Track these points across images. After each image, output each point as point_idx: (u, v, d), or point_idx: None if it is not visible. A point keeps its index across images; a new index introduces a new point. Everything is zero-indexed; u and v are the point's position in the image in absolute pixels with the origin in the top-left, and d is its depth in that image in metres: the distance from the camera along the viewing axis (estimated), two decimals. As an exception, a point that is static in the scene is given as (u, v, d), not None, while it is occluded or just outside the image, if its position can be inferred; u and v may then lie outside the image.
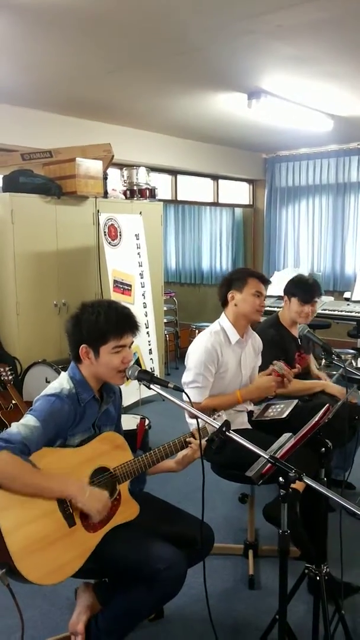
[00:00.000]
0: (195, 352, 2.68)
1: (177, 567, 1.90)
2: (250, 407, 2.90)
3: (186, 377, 2.68)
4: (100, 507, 1.87)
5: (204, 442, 1.98)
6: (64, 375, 2.05)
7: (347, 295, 6.12)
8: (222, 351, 2.68)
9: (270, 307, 5.73)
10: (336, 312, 5.71)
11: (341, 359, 2.69)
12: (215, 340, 2.68)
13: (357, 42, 3.62)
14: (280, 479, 1.57)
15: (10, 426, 1.86)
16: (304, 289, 3.19)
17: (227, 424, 1.73)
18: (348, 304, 5.78)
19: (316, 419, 1.85)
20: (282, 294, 3.36)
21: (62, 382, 2.01)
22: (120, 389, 2.24)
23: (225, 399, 2.70)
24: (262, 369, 2.94)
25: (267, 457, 1.60)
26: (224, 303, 2.80)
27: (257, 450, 1.64)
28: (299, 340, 3.25)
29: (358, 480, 3.53)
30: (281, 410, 2.77)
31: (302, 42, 3.59)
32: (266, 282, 2.79)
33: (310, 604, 2.03)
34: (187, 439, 2.08)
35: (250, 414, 2.88)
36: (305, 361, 3.35)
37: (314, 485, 1.55)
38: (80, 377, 2.02)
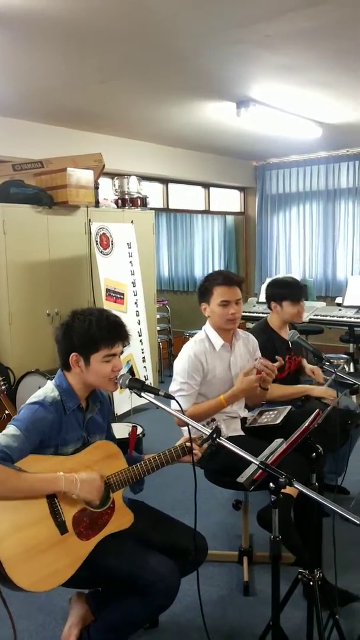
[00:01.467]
0: (180, 360, 2.68)
1: (170, 579, 1.90)
2: (244, 413, 2.90)
3: (172, 385, 2.67)
4: (95, 493, 1.88)
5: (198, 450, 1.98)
6: (50, 384, 2.03)
7: (338, 300, 6.16)
8: (207, 359, 2.67)
9: (263, 313, 5.76)
10: (328, 318, 5.78)
11: (332, 364, 2.71)
12: (198, 348, 2.67)
13: (345, 50, 3.66)
14: (271, 484, 1.58)
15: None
16: (291, 289, 3.23)
17: (217, 430, 1.74)
18: (340, 310, 5.84)
19: (306, 424, 1.86)
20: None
21: (46, 390, 2.00)
22: (108, 397, 2.24)
23: (209, 404, 2.65)
24: None
25: (257, 463, 1.61)
26: None
27: (248, 457, 1.65)
28: (289, 343, 3.25)
29: (351, 485, 3.53)
30: (275, 416, 2.78)
31: (290, 51, 3.63)
32: (233, 283, 2.66)
33: (306, 610, 2.03)
34: (187, 444, 2.02)
35: (243, 420, 2.88)
36: (296, 364, 3.35)
37: (304, 490, 1.56)
38: (67, 386, 2.01)
